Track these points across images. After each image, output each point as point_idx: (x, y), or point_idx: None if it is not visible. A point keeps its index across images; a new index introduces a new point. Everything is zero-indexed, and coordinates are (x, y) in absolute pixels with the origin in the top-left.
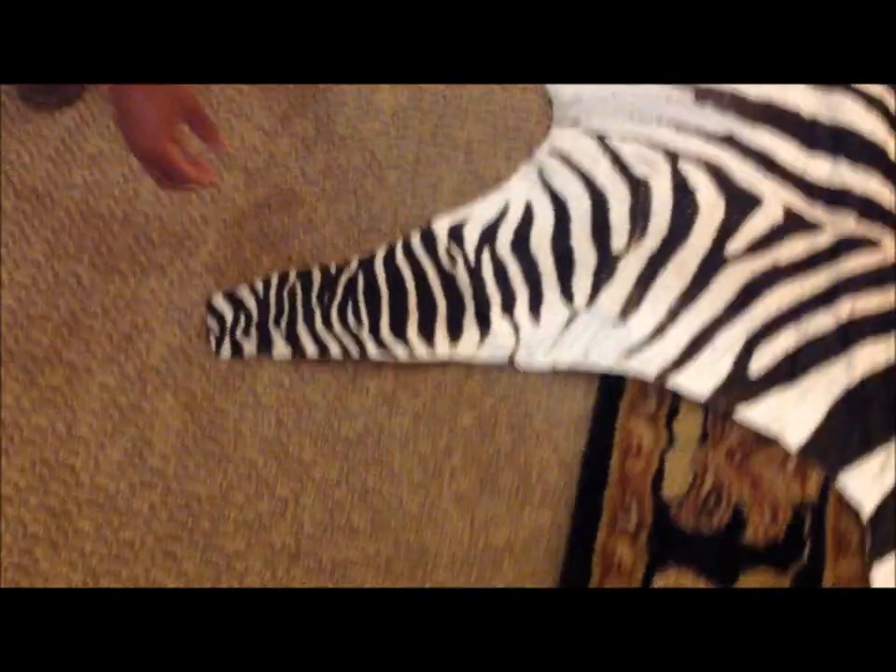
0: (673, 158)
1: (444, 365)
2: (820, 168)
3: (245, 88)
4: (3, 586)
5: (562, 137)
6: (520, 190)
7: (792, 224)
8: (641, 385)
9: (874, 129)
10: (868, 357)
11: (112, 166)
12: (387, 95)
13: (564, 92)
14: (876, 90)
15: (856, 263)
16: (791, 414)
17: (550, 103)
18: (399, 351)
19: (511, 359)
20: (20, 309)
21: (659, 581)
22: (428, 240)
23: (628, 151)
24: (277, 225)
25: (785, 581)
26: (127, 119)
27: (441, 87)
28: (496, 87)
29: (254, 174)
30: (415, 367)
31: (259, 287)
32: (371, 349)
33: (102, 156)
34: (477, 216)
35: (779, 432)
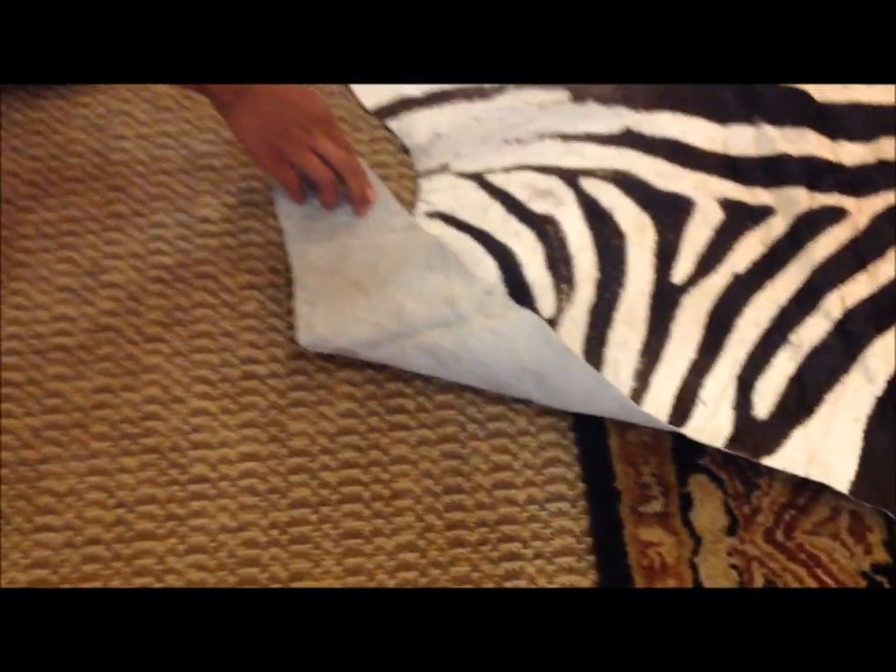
0: (572, 178)
1: (396, 541)
2: (742, 139)
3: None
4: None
5: (434, 190)
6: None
7: (737, 219)
8: (637, 479)
9: None
10: (883, 355)
11: None
12: (211, 200)
13: (418, 132)
14: None
15: (826, 245)
16: (825, 452)
17: (406, 150)
18: None
19: None
20: None
21: None
22: None
23: (518, 185)
24: (129, 411)
25: None
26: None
27: None
28: None
29: (78, 352)
30: (363, 544)
31: None
32: None
33: None
34: None
35: (823, 476)
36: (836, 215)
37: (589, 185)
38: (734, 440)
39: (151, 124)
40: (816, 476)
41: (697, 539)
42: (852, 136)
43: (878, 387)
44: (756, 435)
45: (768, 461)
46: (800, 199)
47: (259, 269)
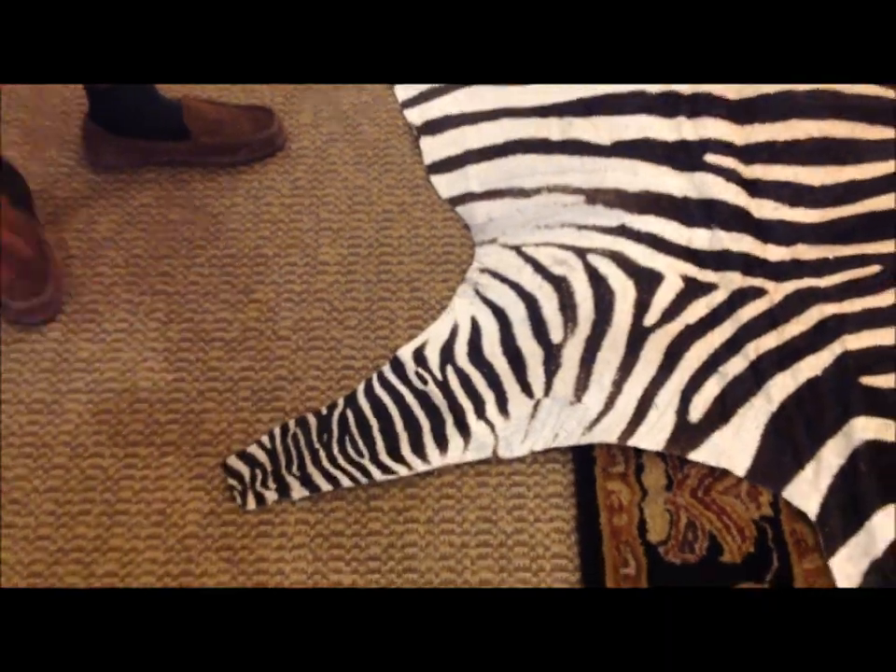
0: (582, 254)
1: (441, 472)
2: (701, 238)
3: (203, 275)
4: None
5: (486, 255)
6: (463, 308)
7: (692, 289)
8: (608, 450)
9: (735, 196)
10: (780, 385)
11: (107, 365)
12: (329, 250)
13: (477, 216)
14: (729, 162)
15: (750, 311)
16: (733, 448)
17: (467, 227)
18: (401, 470)
19: (495, 453)
20: (59, 509)
21: None
22: (398, 368)
23: (544, 255)
24: (265, 384)
25: (763, 586)
26: None
27: (375, 252)
28: (420, 223)
29: (232, 343)
30: (418, 480)
31: (266, 441)
32: (376, 473)
33: (95, 358)
34: (433, 337)
35: (728, 465)
36: (759, 293)
37: (593, 259)
38: (672, 436)
39: (291, 196)
40: (724, 465)
41: (645, 492)
42: (777, 241)
43: (774, 406)
44: (688, 433)
45: (693, 455)
46: (736, 280)
47: (359, 298)
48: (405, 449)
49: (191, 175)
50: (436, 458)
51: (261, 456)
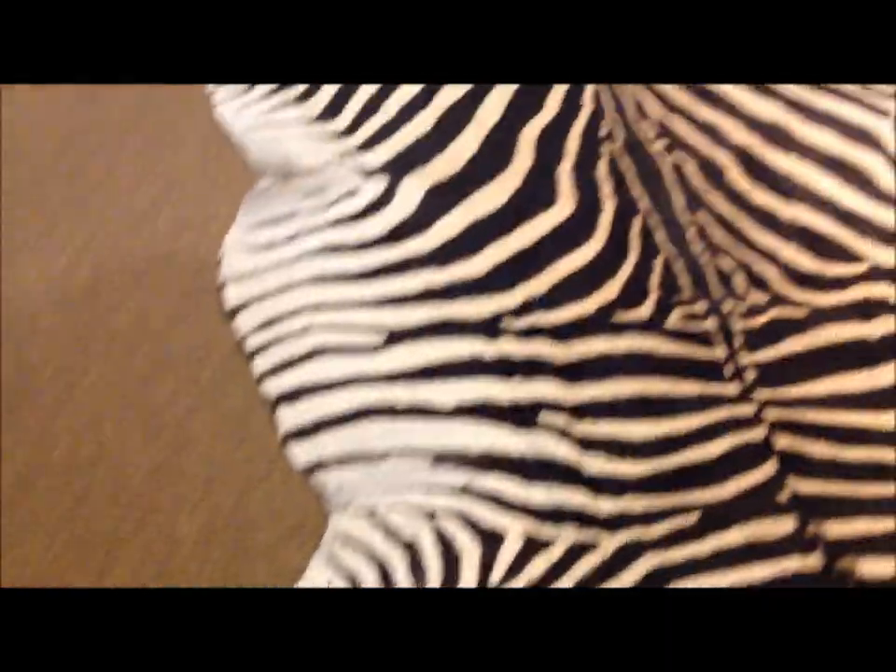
0: (430, 515)
1: None
2: (539, 495)
3: (58, 560)
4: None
5: (339, 521)
6: (319, 575)
7: (531, 546)
8: None
9: (567, 453)
10: None
11: None
12: (186, 524)
13: (329, 484)
14: (561, 420)
15: (585, 565)
16: None
17: (321, 495)
18: None
19: None
20: None
21: None
22: None
23: (393, 519)
24: None
25: None
26: None
27: (232, 524)
28: (277, 493)
29: None
30: None
31: None
32: None
33: None
34: None
35: None
36: (593, 546)
37: (440, 520)
38: None
39: (150, 474)
40: None
41: None
42: (607, 495)
43: None
44: None
45: None
46: (572, 535)
47: (216, 572)
48: None
49: (49, 456)
50: None
51: None
